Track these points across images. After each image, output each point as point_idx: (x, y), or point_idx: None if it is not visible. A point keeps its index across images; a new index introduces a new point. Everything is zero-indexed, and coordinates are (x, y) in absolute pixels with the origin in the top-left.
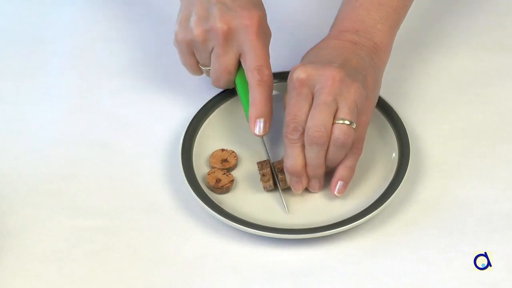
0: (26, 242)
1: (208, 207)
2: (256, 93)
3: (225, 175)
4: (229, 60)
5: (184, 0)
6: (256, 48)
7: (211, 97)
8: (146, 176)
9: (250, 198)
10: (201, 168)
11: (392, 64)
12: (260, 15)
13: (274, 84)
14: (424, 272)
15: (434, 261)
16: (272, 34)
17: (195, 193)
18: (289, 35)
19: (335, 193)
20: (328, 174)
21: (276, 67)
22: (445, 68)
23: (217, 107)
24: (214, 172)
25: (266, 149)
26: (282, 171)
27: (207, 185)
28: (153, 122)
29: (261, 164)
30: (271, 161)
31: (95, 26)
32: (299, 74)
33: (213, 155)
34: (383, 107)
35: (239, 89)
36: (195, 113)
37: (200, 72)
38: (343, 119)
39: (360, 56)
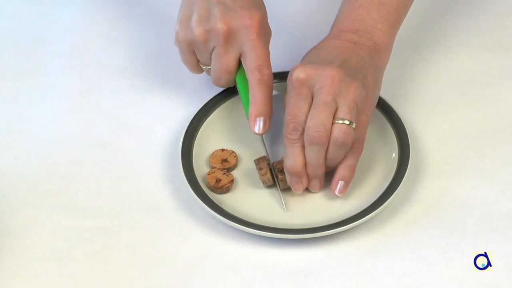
0: (26, 242)
1: (208, 207)
2: (256, 92)
3: (225, 175)
4: (230, 60)
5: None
6: (256, 48)
7: (211, 97)
8: (146, 176)
9: (250, 198)
10: (201, 168)
11: (392, 64)
12: (261, 15)
13: (274, 84)
14: (424, 272)
15: (434, 261)
16: (272, 34)
17: (195, 193)
18: (289, 35)
19: (336, 193)
20: (329, 174)
21: (276, 67)
22: (445, 68)
23: (217, 107)
24: (214, 172)
25: (265, 148)
26: (282, 171)
27: (207, 185)
28: (153, 122)
29: (258, 161)
30: (270, 160)
31: (95, 26)
32: (298, 74)
33: (213, 155)
34: (383, 107)
35: (239, 88)
36: (195, 113)
37: (200, 70)
38: (343, 119)
39: (360, 55)
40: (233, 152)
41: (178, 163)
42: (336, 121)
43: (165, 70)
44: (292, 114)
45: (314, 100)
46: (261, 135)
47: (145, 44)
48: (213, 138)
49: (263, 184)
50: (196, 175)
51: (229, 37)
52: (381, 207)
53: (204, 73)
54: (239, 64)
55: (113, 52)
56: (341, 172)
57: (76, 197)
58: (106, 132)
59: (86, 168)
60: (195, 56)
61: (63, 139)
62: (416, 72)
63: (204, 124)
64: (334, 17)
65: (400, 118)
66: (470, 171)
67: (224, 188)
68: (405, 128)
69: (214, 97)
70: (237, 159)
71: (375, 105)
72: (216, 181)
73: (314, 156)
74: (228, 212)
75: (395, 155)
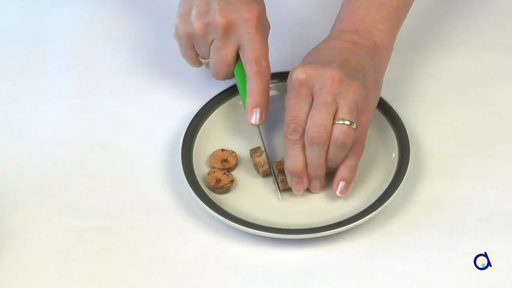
0: (26, 242)
1: (208, 207)
2: (253, 84)
3: (225, 175)
4: (228, 53)
5: None
6: (254, 41)
7: (212, 97)
8: (146, 176)
9: (250, 198)
10: (201, 168)
11: (392, 64)
12: (259, 9)
13: (274, 84)
14: (424, 272)
15: (434, 261)
16: (272, 35)
17: (195, 193)
18: (289, 34)
19: (337, 193)
20: (329, 175)
21: (276, 67)
22: (445, 68)
23: (217, 107)
24: (214, 172)
25: (262, 141)
26: (282, 172)
27: (207, 185)
28: (153, 122)
29: (253, 150)
30: (267, 151)
31: (95, 26)
32: (298, 75)
33: (213, 155)
34: (383, 107)
35: (237, 80)
36: (195, 113)
37: (199, 64)
38: (343, 119)
39: (360, 55)
40: (233, 152)
41: (178, 163)
42: (337, 122)
43: (165, 70)
44: (292, 114)
45: (314, 100)
46: (258, 126)
47: (145, 44)
48: (213, 138)
49: (257, 170)
50: (196, 175)
51: (228, 30)
52: (381, 207)
53: (203, 66)
54: (238, 57)
55: (113, 52)
56: (342, 172)
57: (76, 197)
58: (106, 132)
59: (86, 168)
60: (194, 50)
61: (63, 139)
62: (416, 72)
63: (204, 124)
64: (334, 15)
65: (400, 119)
66: (470, 171)
67: (224, 188)
68: (405, 128)
69: (214, 97)
70: (237, 159)
71: (376, 105)
72: (216, 181)
73: (315, 156)
74: (228, 212)
75: (395, 155)
